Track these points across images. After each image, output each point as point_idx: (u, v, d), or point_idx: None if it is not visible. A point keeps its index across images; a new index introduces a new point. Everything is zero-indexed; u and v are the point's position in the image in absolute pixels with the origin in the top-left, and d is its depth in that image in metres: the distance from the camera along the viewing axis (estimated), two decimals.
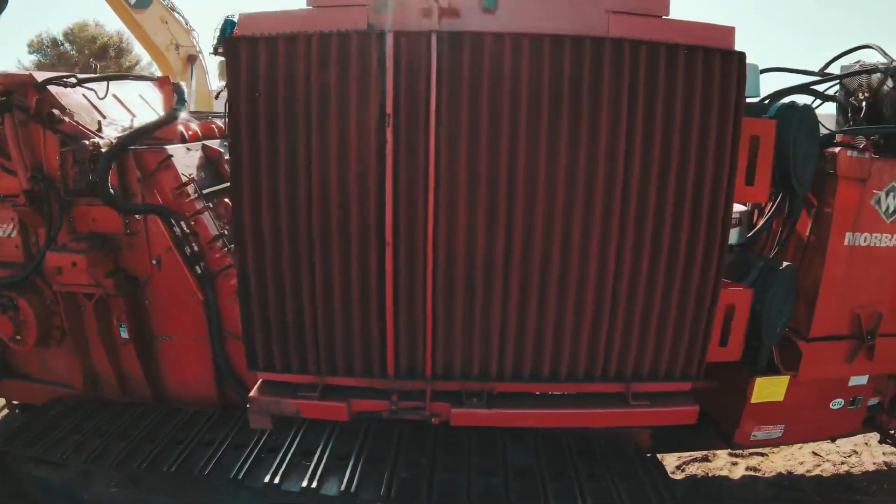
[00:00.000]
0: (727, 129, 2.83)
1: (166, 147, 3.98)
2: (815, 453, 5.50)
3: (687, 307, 3.04)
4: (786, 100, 3.50)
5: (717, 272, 2.99)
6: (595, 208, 2.86)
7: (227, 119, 2.88)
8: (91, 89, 4.38)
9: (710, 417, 3.91)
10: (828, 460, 5.44)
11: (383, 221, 2.85)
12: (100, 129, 4.15)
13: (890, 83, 3.45)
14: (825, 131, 3.47)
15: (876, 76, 3.54)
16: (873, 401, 4.51)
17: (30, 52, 25.75)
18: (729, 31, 2.82)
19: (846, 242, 3.36)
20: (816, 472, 5.28)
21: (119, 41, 25.58)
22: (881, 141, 3.50)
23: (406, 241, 2.89)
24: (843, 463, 5.43)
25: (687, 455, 5.22)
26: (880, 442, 4.79)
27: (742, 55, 2.80)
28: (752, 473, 5.17)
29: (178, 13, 12.62)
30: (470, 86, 2.73)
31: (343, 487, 3.17)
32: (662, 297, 3.02)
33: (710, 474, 5.13)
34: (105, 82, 4.50)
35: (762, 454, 5.41)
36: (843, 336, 3.53)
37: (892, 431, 4.49)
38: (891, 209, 3.40)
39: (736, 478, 5.11)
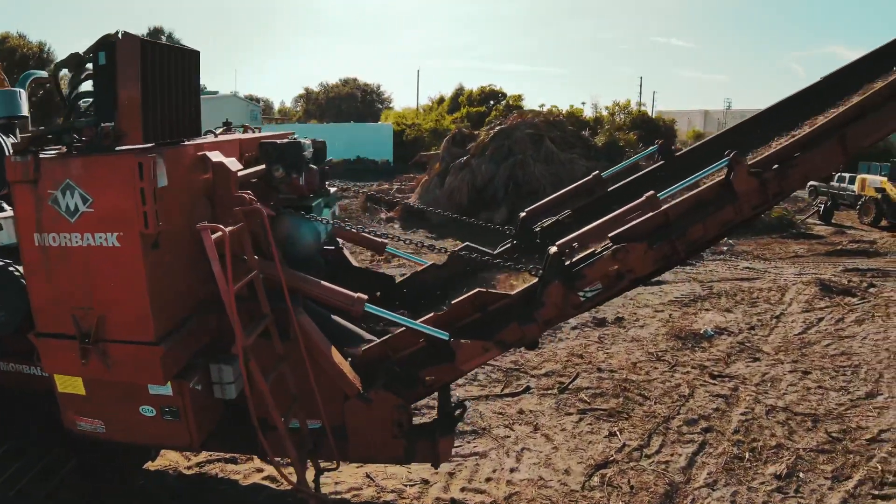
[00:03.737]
0: None
1: None
2: (367, 475, 5.04)
3: None
4: None
5: None
6: None
7: None
8: None
9: None
10: (379, 485, 4.95)
11: None
12: None
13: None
14: None
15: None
16: (314, 424, 4.19)
17: None
18: None
19: (37, 243, 3.43)
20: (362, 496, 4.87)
21: (40, 51, 27.32)
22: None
23: None
24: (395, 491, 4.90)
25: (217, 455, 5.21)
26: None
27: None
28: (266, 483, 4.98)
29: None
30: None
31: None
32: None
33: (222, 476, 5.07)
34: None
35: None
36: (70, 336, 3.54)
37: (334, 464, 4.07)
38: (72, 207, 3.37)
39: (245, 484, 4.98)
